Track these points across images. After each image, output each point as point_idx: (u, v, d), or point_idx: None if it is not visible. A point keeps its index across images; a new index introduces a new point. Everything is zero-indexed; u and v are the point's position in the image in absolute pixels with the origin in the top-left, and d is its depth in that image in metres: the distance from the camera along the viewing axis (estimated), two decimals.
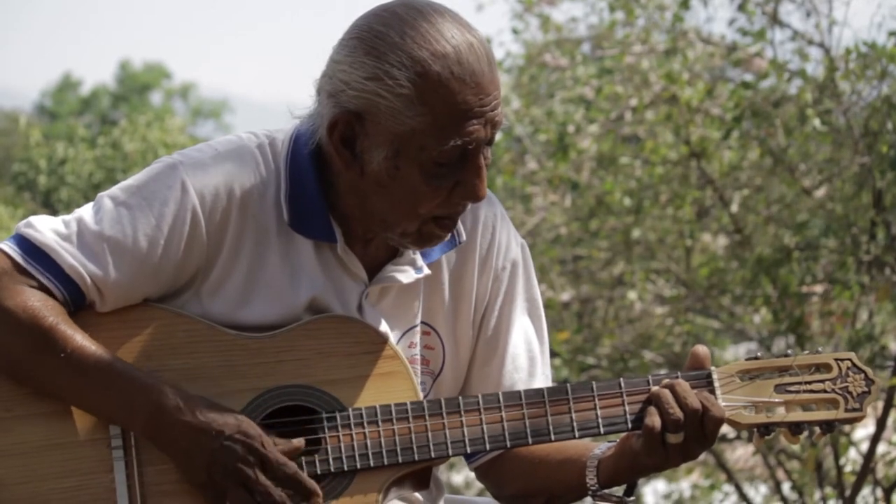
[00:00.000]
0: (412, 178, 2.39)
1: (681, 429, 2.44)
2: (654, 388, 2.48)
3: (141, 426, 2.42)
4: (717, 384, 2.50)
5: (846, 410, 2.51)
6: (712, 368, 2.52)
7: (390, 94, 2.36)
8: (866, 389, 2.52)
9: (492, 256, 2.63)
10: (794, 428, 2.51)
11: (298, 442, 2.43)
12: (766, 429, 2.51)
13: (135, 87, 36.88)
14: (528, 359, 2.65)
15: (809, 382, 2.52)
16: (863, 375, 2.52)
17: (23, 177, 23.68)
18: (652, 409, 2.46)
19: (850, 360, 2.53)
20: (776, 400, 2.51)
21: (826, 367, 2.53)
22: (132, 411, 2.41)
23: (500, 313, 2.64)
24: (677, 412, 2.44)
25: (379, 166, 2.41)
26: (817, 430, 2.53)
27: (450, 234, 2.51)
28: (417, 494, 2.62)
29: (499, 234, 2.64)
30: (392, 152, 2.39)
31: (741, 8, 6.87)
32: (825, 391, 2.51)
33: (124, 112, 32.47)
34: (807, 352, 2.55)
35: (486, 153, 2.42)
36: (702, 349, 2.53)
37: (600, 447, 2.54)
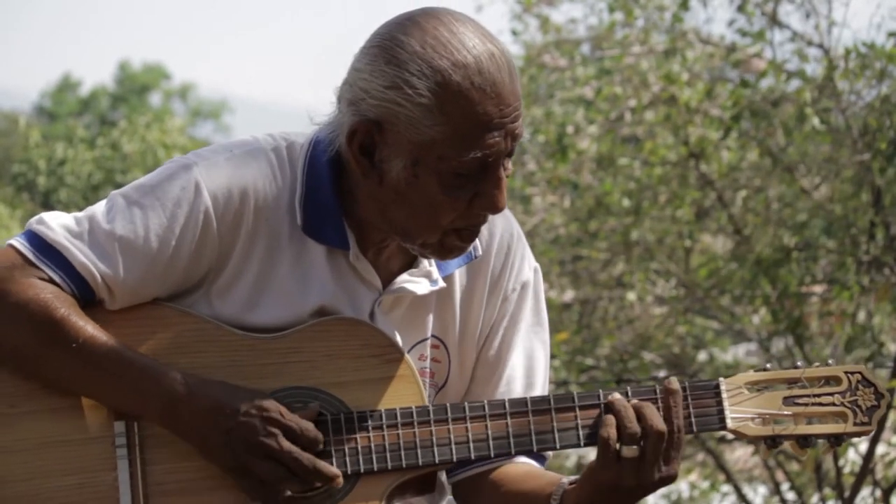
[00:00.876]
0: (430, 188, 2.38)
1: (636, 442, 2.41)
2: (612, 398, 2.45)
3: (156, 413, 2.42)
4: (724, 395, 2.49)
5: (855, 424, 2.49)
6: (720, 379, 2.51)
7: (409, 104, 2.34)
8: (876, 403, 2.50)
9: (504, 278, 2.62)
10: (802, 441, 2.49)
11: (314, 406, 2.43)
12: (773, 441, 2.49)
13: (134, 87, 36.90)
14: (525, 385, 2.63)
15: (818, 395, 2.50)
16: (872, 389, 2.50)
17: (22, 177, 23.69)
18: (609, 419, 2.43)
19: (860, 373, 2.51)
20: (784, 412, 2.49)
21: (836, 380, 2.51)
22: (146, 399, 2.41)
23: (504, 335, 2.63)
24: (634, 426, 2.41)
25: (398, 176, 2.39)
26: (825, 443, 2.51)
27: (469, 247, 2.49)
28: (420, 498, 2.62)
29: (513, 255, 2.62)
30: (411, 162, 2.37)
31: (740, 9, 6.87)
32: (834, 404, 2.49)
33: (123, 113, 32.49)
34: (816, 364, 2.53)
35: (506, 164, 2.41)
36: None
37: (568, 478, 2.51)
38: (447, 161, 2.36)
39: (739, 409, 2.49)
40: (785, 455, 7.47)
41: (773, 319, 6.75)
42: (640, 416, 2.43)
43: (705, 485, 8.54)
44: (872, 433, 2.51)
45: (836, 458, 6.84)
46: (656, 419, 2.42)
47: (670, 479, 2.44)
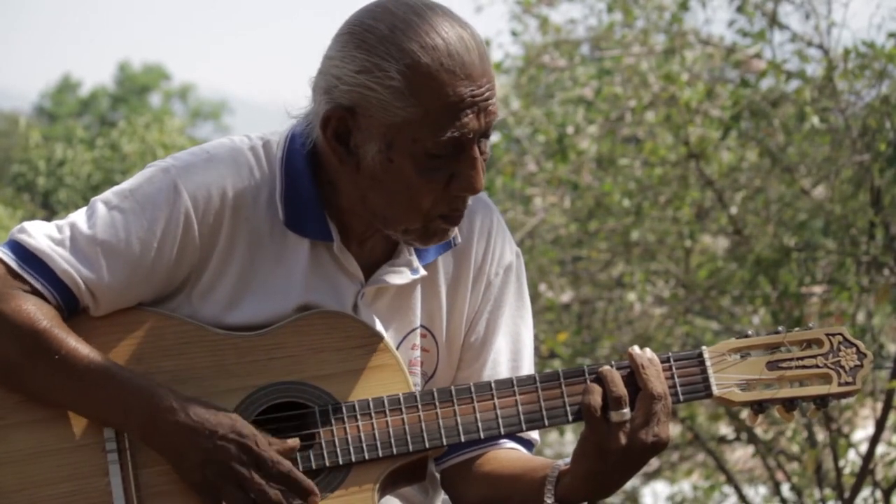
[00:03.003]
0: (405, 170, 2.40)
1: (622, 406, 2.43)
2: (601, 368, 2.48)
3: (136, 428, 2.42)
4: (708, 363, 2.51)
5: (839, 385, 2.51)
6: (703, 347, 2.52)
7: (380, 87, 2.36)
8: (859, 363, 2.52)
9: (486, 263, 2.63)
10: (788, 404, 2.51)
11: (293, 441, 2.44)
12: (759, 406, 2.51)
13: (134, 88, 36.90)
14: (510, 368, 2.64)
15: (801, 358, 2.52)
16: (854, 349, 2.52)
17: (22, 178, 23.66)
18: (592, 387, 2.45)
19: (841, 334, 2.53)
20: (769, 377, 2.50)
21: (818, 343, 2.53)
22: (127, 413, 2.42)
23: (489, 318, 2.64)
24: (619, 390, 2.43)
25: (373, 160, 2.41)
26: (812, 405, 2.52)
27: (453, 232, 2.50)
28: (414, 492, 2.62)
29: (494, 240, 2.64)
30: (385, 145, 2.39)
31: (740, 9, 6.87)
32: (817, 366, 2.51)
33: (123, 113, 32.47)
34: (797, 328, 2.55)
35: (482, 146, 2.42)
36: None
37: (564, 459, 2.52)
38: (421, 143, 2.37)
39: (724, 377, 2.50)
40: (785, 455, 7.47)
41: (772, 320, 6.75)
42: (634, 381, 2.45)
43: (706, 485, 8.54)
44: (857, 393, 2.52)
45: (836, 459, 6.84)
46: (652, 381, 2.44)
47: (662, 444, 2.45)
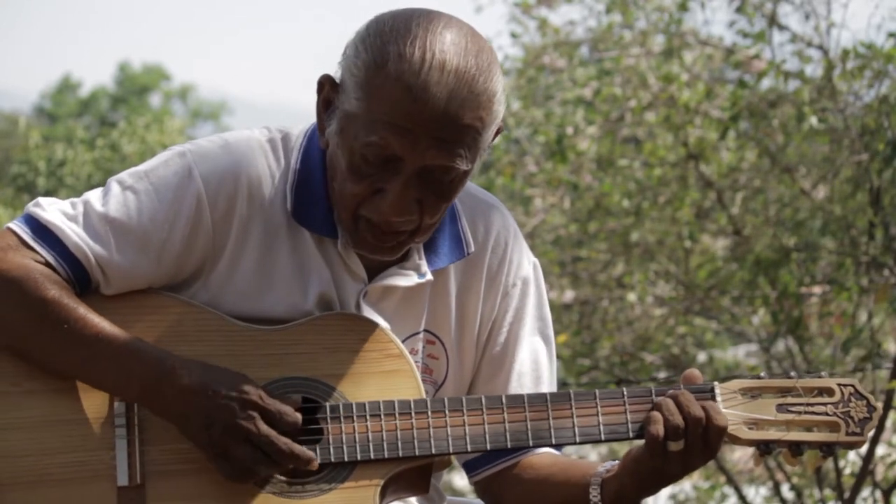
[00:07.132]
0: (342, 160, 2.41)
1: (681, 436, 2.43)
2: (658, 399, 2.48)
3: (136, 393, 2.43)
4: (719, 399, 2.51)
5: (847, 434, 2.53)
6: (715, 383, 2.53)
7: (349, 72, 2.39)
8: (868, 415, 2.54)
9: (502, 273, 2.62)
10: (794, 448, 2.52)
11: (296, 397, 2.44)
12: (766, 446, 2.52)
13: (134, 88, 36.89)
14: (533, 378, 2.64)
15: (811, 405, 2.54)
16: (865, 402, 2.55)
17: (22, 178, 23.67)
18: (655, 416, 2.46)
19: (852, 385, 2.55)
20: (777, 419, 2.52)
21: (828, 392, 2.55)
22: (128, 379, 2.42)
23: (510, 330, 2.64)
24: (677, 419, 2.44)
25: (330, 139, 2.44)
26: (818, 452, 2.54)
27: (388, 253, 2.49)
28: (415, 501, 2.62)
29: (510, 251, 2.63)
30: (338, 128, 2.41)
31: (740, 10, 6.88)
32: (827, 414, 2.53)
33: (123, 114, 32.48)
34: (811, 374, 2.57)
35: (430, 183, 2.39)
36: (691, 372, 2.55)
37: (604, 465, 2.54)
38: (358, 140, 2.37)
39: (733, 414, 2.51)
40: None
41: (772, 320, 6.75)
42: (679, 405, 2.46)
43: (706, 485, 8.54)
44: (865, 445, 2.54)
45: (836, 460, 6.84)
46: (694, 406, 2.45)
47: (712, 456, 2.48)
